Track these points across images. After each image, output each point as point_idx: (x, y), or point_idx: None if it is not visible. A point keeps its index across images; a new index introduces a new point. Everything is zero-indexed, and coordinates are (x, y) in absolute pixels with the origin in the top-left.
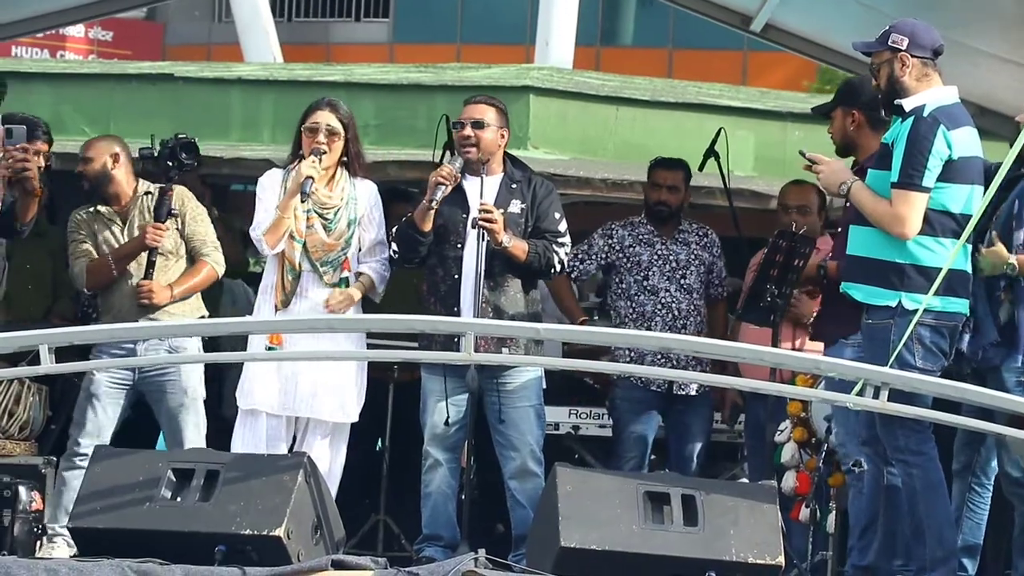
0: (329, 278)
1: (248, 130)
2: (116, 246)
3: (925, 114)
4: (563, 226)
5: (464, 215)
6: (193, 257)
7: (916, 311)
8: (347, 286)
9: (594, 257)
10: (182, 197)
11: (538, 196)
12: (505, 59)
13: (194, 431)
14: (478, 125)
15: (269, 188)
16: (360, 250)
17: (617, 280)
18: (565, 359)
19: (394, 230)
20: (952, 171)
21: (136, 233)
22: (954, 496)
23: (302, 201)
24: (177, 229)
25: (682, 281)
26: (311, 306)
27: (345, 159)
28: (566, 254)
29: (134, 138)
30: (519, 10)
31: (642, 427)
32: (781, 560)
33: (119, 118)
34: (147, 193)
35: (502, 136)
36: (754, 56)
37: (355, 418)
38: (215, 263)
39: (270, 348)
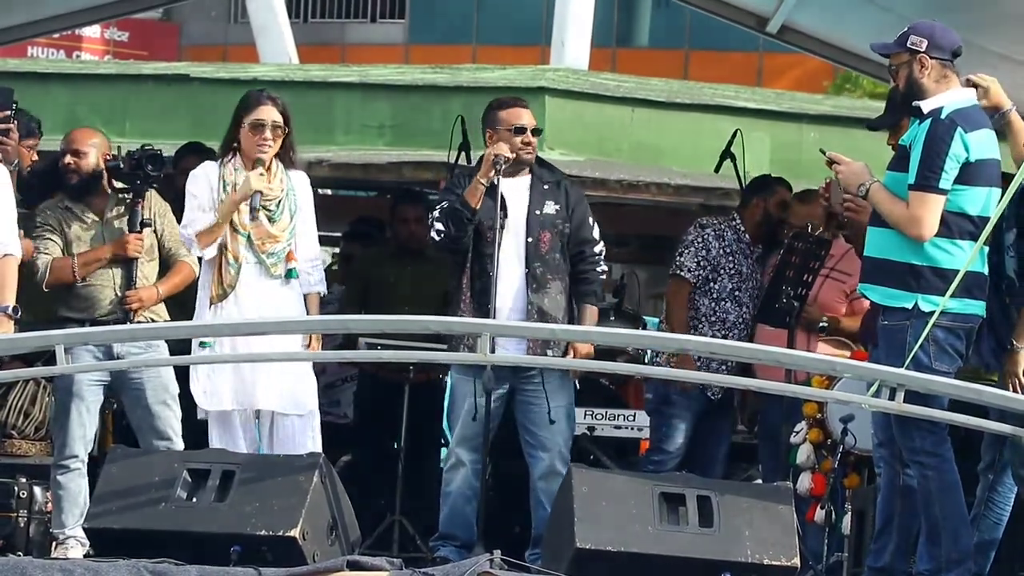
0: (276, 270)
1: None
2: (88, 242)
3: (943, 116)
4: (596, 231)
5: (502, 214)
6: (168, 258)
7: (932, 313)
8: (295, 277)
9: (712, 261)
10: (151, 200)
11: (571, 200)
12: (521, 60)
13: (175, 426)
14: (536, 131)
15: (203, 184)
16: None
17: (713, 279)
18: (584, 360)
19: (437, 210)
20: (969, 173)
21: (113, 234)
22: (976, 494)
23: (251, 218)
24: (153, 231)
25: (757, 301)
26: (257, 299)
27: (280, 152)
28: (600, 252)
29: (150, 138)
30: (535, 11)
31: (691, 424)
32: (796, 561)
33: (134, 118)
34: (120, 191)
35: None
36: (770, 57)
37: (315, 408)
38: (193, 263)
39: (202, 344)
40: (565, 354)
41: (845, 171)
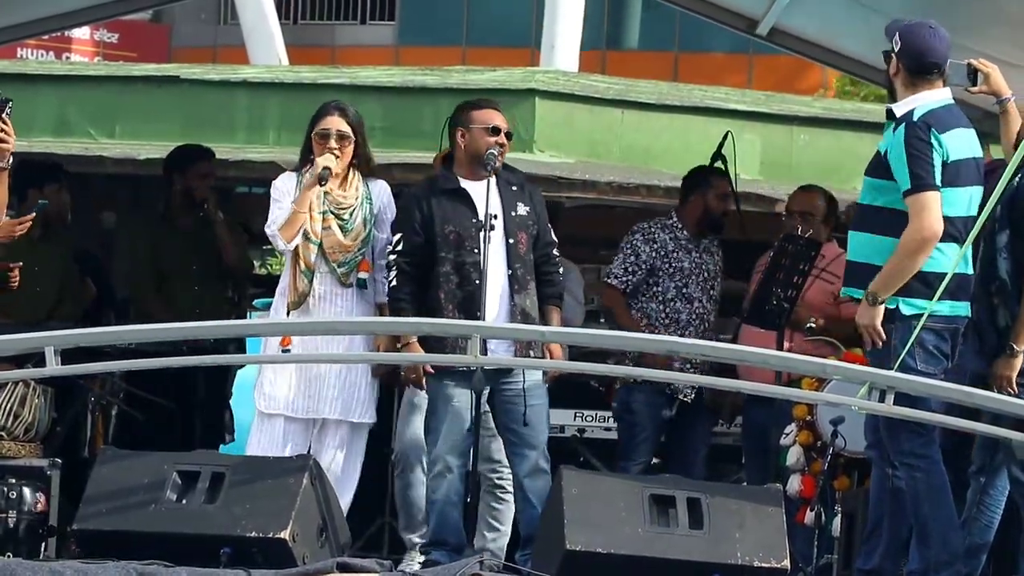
0: (348, 279)
1: (254, 132)
2: None
3: (915, 119)
4: (553, 233)
5: (474, 220)
6: None
7: (914, 316)
8: (365, 287)
9: (642, 266)
10: None
11: (535, 202)
12: (511, 62)
13: None
14: (509, 135)
15: (283, 190)
16: (374, 249)
17: (653, 282)
18: (573, 362)
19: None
20: (947, 174)
21: None
22: (968, 497)
23: (320, 185)
24: None
25: (711, 292)
26: (330, 308)
27: (355, 161)
28: (558, 252)
29: (140, 140)
30: (525, 14)
31: (655, 433)
32: (787, 563)
33: (125, 120)
34: None
35: None
36: (760, 60)
37: (373, 419)
38: None
39: (284, 351)
40: (542, 356)
41: (857, 317)
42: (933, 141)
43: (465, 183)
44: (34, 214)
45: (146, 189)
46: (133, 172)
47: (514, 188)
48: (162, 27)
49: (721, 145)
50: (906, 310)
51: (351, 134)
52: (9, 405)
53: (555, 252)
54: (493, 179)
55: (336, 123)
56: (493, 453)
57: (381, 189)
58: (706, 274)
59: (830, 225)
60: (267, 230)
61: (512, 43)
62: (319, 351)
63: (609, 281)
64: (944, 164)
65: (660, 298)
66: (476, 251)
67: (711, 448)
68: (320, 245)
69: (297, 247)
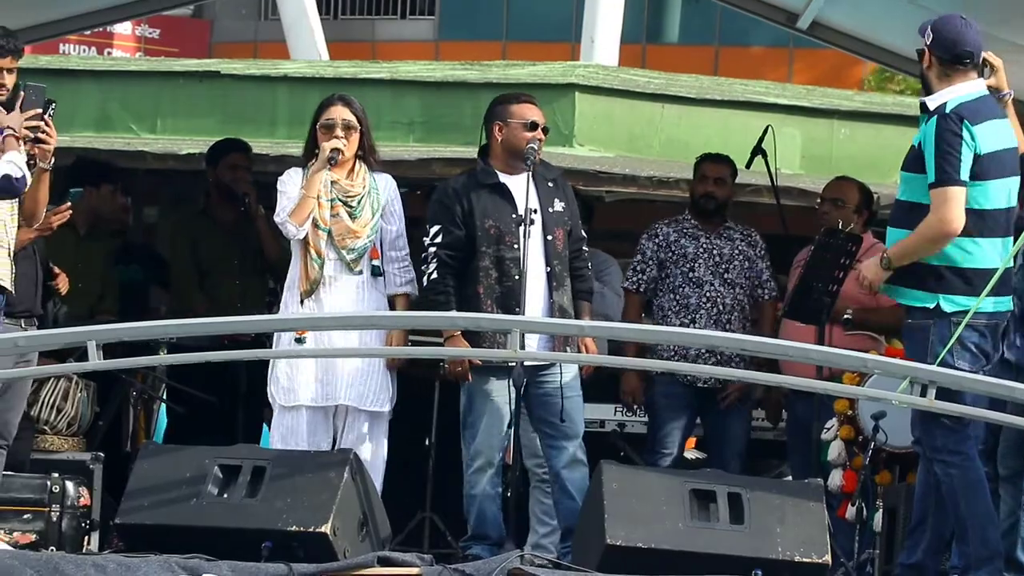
0: (357, 266)
1: (294, 127)
2: None
3: (948, 111)
4: (582, 228)
5: (513, 215)
6: None
7: (955, 313)
8: (377, 275)
9: (649, 262)
10: None
11: (569, 198)
12: (551, 57)
13: None
14: (545, 129)
15: (290, 183)
16: (383, 241)
17: (663, 275)
18: (611, 356)
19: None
20: (981, 167)
21: None
22: (1005, 503)
23: (330, 165)
24: None
25: (726, 275)
26: (340, 295)
27: (360, 152)
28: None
29: (181, 135)
30: (565, 8)
31: (680, 425)
32: (828, 558)
33: (165, 115)
34: None
35: None
36: (800, 54)
37: (389, 407)
38: None
39: (298, 340)
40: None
41: (863, 272)
42: (965, 133)
43: (503, 178)
44: (69, 204)
45: (187, 184)
46: (174, 167)
47: (550, 184)
48: (203, 22)
49: (761, 139)
50: (947, 307)
51: (356, 124)
52: (52, 399)
53: (585, 248)
54: (530, 174)
55: (341, 113)
56: (537, 449)
57: (387, 182)
58: (718, 257)
59: (863, 216)
60: (276, 219)
61: (552, 37)
62: (332, 341)
63: (625, 286)
64: (976, 157)
65: (670, 287)
66: (516, 246)
67: (752, 443)
68: (329, 232)
69: (307, 235)
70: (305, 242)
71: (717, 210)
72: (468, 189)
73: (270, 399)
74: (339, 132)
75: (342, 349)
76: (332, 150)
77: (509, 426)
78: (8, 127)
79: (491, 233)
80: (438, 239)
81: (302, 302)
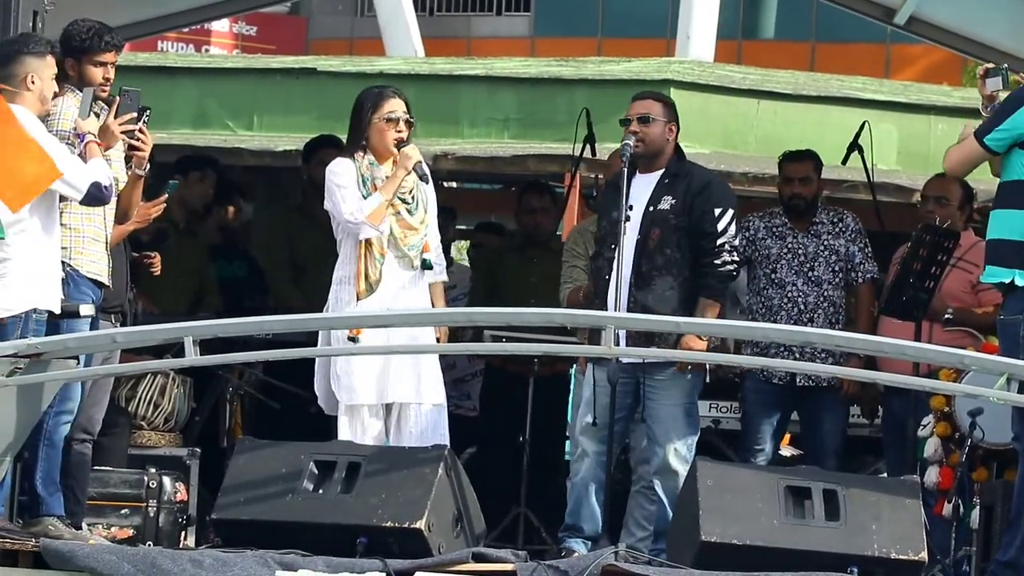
0: (415, 262)
1: None
2: None
3: None
4: (722, 223)
5: (614, 213)
6: None
7: None
8: (429, 268)
9: (735, 253)
10: None
11: (692, 191)
12: (646, 53)
13: None
14: (644, 120)
15: (346, 175)
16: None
17: (751, 275)
18: (700, 353)
19: None
20: None
21: None
22: None
23: (425, 183)
24: None
25: (810, 274)
26: (398, 292)
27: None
28: (730, 249)
29: (277, 131)
30: (660, 4)
31: (770, 421)
32: (924, 556)
33: (262, 112)
34: None
35: (670, 130)
36: (898, 49)
37: (444, 399)
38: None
39: (352, 339)
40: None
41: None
42: None
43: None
44: (166, 195)
45: (284, 181)
46: (271, 164)
47: (667, 181)
48: (299, 19)
49: (858, 135)
50: (1021, 282)
51: (410, 119)
52: (149, 395)
53: (717, 243)
54: (625, 171)
55: (401, 106)
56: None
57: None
58: (802, 257)
59: (965, 213)
60: (350, 218)
61: (647, 33)
62: (391, 340)
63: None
64: None
65: (756, 289)
66: (613, 247)
67: (848, 439)
68: (391, 230)
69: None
70: (368, 241)
71: (808, 208)
72: (605, 188)
73: (322, 399)
74: (402, 127)
75: (426, 346)
76: (418, 163)
77: (617, 420)
78: (89, 132)
79: (601, 234)
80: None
81: (357, 301)
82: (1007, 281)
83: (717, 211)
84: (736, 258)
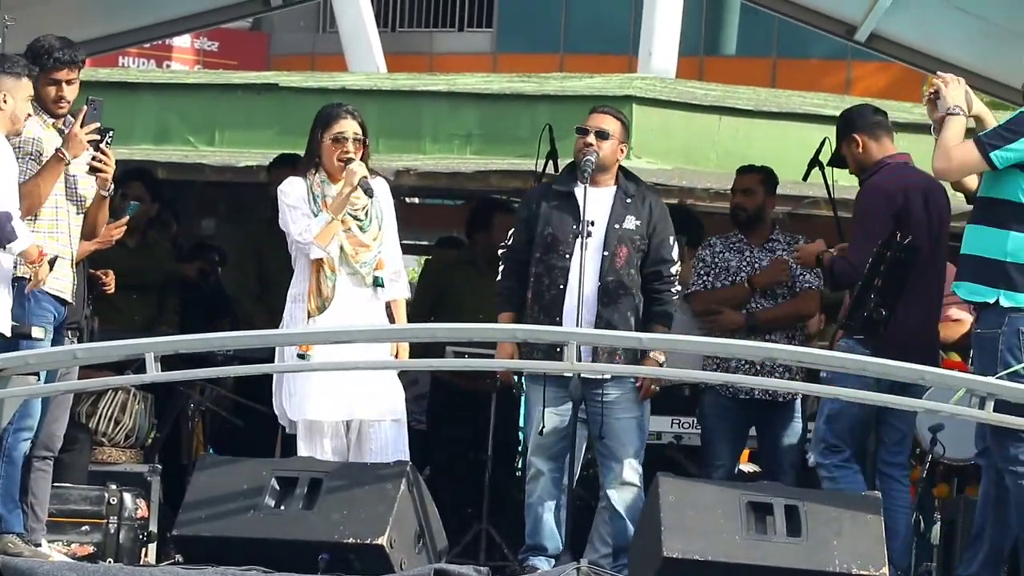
0: (368, 279)
1: None
2: None
3: None
4: (676, 251)
5: (574, 225)
6: None
7: (1012, 309)
8: (381, 285)
9: (710, 268)
10: None
11: (654, 216)
12: (608, 69)
13: None
14: (602, 135)
15: (294, 195)
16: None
17: (711, 286)
18: (660, 368)
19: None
20: None
21: None
22: None
23: (369, 197)
24: None
25: (766, 288)
26: (350, 309)
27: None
28: (676, 272)
29: (239, 147)
30: (622, 20)
31: (729, 435)
32: (885, 571)
33: (224, 128)
34: None
35: (621, 151)
36: (858, 65)
37: (403, 415)
38: None
39: (301, 356)
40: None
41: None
42: None
43: (579, 188)
44: (127, 216)
45: (246, 196)
46: (233, 179)
47: (628, 200)
48: (261, 35)
49: (818, 152)
50: (1006, 303)
51: (363, 137)
52: (110, 412)
53: (671, 271)
54: (585, 186)
55: (352, 127)
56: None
57: (384, 186)
58: (751, 270)
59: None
60: (299, 238)
61: (610, 50)
62: (347, 355)
63: (693, 290)
64: None
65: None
66: (568, 256)
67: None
68: (341, 247)
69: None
70: (320, 259)
71: (750, 221)
72: (542, 196)
73: (279, 415)
74: (350, 147)
75: (386, 362)
76: (362, 177)
77: (561, 437)
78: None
79: (547, 240)
80: (508, 241)
81: (308, 319)
82: (991, 301)
83: (671, 239)
84: (680, 288)
